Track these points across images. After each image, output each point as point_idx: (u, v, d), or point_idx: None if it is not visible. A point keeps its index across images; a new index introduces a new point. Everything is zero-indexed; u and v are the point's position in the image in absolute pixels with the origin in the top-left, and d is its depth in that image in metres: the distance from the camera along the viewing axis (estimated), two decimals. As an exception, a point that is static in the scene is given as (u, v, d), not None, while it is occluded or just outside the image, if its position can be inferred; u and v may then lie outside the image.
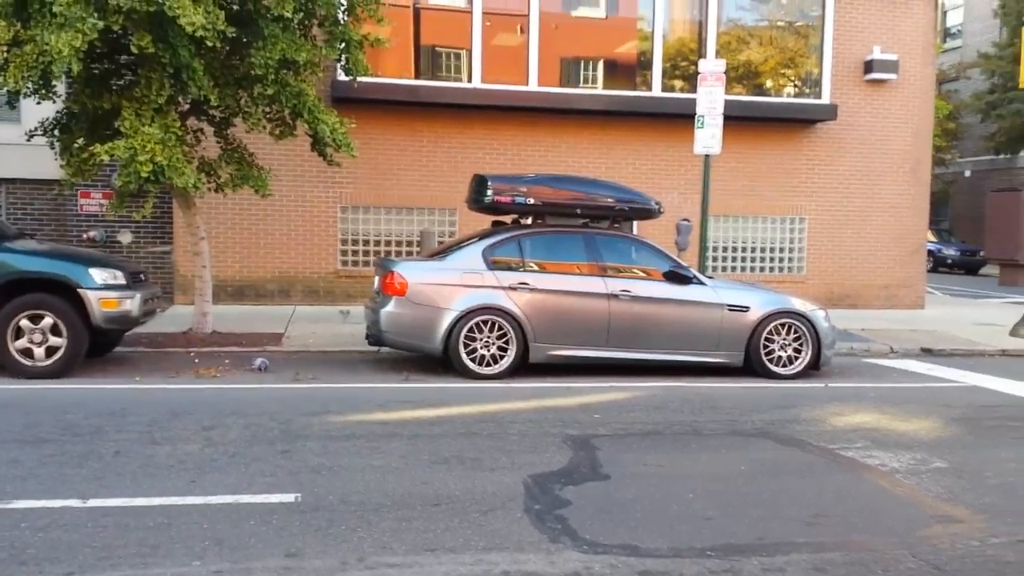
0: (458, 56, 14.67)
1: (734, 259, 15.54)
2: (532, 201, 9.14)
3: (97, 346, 9.10)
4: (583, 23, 15.30)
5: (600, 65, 15.28)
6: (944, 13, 38.57)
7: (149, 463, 5.44)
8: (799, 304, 9.50)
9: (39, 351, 8.00)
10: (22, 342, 7.97)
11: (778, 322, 9.29)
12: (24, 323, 7.96)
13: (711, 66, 11.81)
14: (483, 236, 9.30)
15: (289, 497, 4.83)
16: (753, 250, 15.63)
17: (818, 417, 7.44)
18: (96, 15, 8.25)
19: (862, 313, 15.02)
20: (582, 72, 15.39)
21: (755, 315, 9.23)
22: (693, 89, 13.30)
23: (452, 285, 8.78)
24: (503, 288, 8.81)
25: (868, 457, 6.13)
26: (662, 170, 14.94)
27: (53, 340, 8.02)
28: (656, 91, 14.66)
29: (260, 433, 6.21)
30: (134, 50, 8.68)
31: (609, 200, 9.44)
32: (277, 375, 8.64)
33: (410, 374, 8.85)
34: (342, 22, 10.35)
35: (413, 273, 8.87)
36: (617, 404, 7.77)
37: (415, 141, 14.26)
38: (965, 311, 16.29)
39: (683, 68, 15.11)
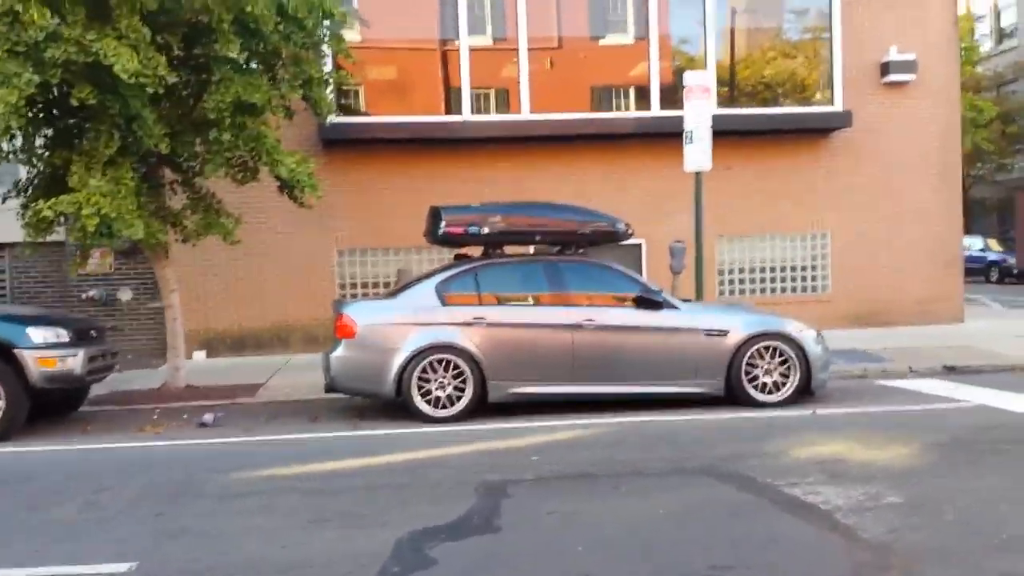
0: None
1: (752, 280, 14.74)
2: (486, 231, 8.69)
3: (57, 405, 8.98)
4: (572, 50, 14.84)
5: (596, 91, 14.80)
6: (998, 13, 37.05)
7: (14, 530, 5.11)
8: (786, 325, 8.77)
9: (-24, 415, 7.84)
10: (-41, 406, 7.82)
11: (761, 345, 8.58)
12: (-38, 387, 7.82)
13: (696, 79, 11.21)
14: (439, 271, 8.88)
15: (123, 567, 4.41)
16: (773, 270, 14.81)
17: (782, 449, 6.73)
18: (32, 70, 8.18)
19: (892, 331, 14.04)
20: (580, 98, 14.89)
21: (734, 339, 8.55)
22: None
23: (403, 324, 8.36)
24: (457, 324, 8.34)
25: (812, 494, 5.42)
26: (674, 191, 14.18)
27: (-9, 403, 7.86)
28: (655, 111, 14.09)
29: (151, 493, 5.84)
30: (74, 103, 8.57)
31: (569, 224, 8.91)
32: (225, 429, 8.31)
33: (365, 421, 8.42)
34: (308, 60, 10.11)
35: (362, 314, 8.48)
36: (567, 444, 7.19)
37: (411, 179, 13.87)
38: (1011, 324, 15.10)
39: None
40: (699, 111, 11.13)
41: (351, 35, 14.00)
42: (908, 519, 4.93)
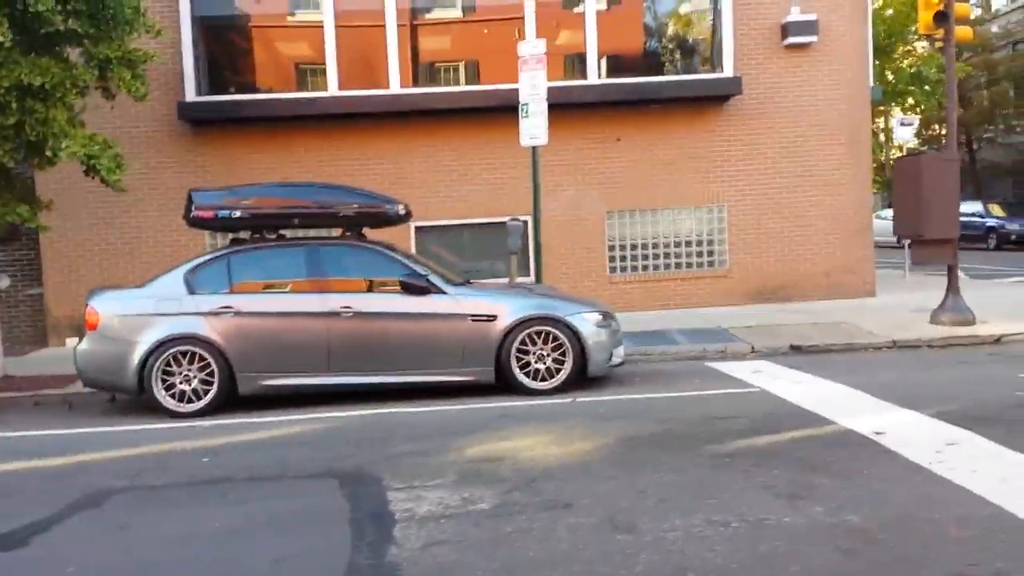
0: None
1: (645, 256, 14.06)
2: (238, 214, 8.26)
3: None
4: (453, 21, 14.29)
5: (470, 66, 14.21)
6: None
7: None
8: (559, 309, 8.22)
9: None
10: None
11: (532, 330, 8.06)
12: None
13: (530, 48, 10.61)
14: (192, 259, 8.49)
15: None
16: (667, 245, 14.10)
17: (466, 445, 6.21)
18: None
19: (785, 307, 13.31)
20: (461, 73, 14.37)
21: (503, 324, 8.04)
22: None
23: (147, 315, 7.98)
24: (202, 314, 7.95)
25: (412, 500, 4.94)
26: (563, 163, 13.54)
27: None
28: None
29: None
30: None
31: (329, 206, 8.42)
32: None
33: (113, 417, 8.12)
34: (113, 38, 9.75)
35: (107, 304, 8.11)
36: (262, 443, 6.77)
37: (283, 157, 13.46)
38: (927, 295, 14.01)
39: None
40: (534, 83, 10.55)
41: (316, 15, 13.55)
42: (466, 531, 4.43)
